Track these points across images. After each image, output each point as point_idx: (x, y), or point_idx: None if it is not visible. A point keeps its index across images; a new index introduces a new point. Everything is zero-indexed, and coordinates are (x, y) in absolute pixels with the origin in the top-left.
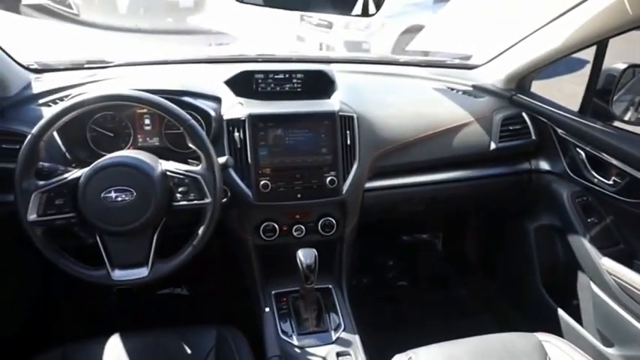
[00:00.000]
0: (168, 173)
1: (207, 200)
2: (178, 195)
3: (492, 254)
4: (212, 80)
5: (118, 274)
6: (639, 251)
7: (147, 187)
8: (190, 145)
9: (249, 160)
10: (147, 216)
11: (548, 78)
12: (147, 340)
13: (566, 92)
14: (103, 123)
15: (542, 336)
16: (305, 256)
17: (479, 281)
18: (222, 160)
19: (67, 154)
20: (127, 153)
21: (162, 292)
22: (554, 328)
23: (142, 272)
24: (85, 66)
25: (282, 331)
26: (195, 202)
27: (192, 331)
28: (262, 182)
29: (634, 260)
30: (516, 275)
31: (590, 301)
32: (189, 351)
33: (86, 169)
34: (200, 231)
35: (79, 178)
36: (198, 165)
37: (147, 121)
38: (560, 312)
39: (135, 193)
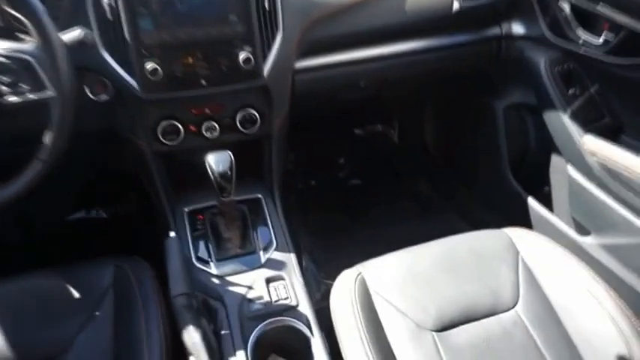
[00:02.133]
0: None
1: (49, 94)
2: (3, 88)
3: (455, 143)
4: None
5: None
6: (627, 123)
7: None
8: (8, 10)
9: (127, 35)
10: None
11: None
12: (26, 286)
13: None
14: None
15: (511, 231)
16: (217, 161)
17: (441, 174)
18: (73, 35)
19: None
20: None
21: (75, 218)
22: (525, 220)
23: None
24: None
25: (198, 258)
26: (31, 96)
27: (87, 267)
28: (149, 66)
29: (621, 135)
30: (482, 164)
31: (566, 187)
32: (77, 295)
33: None
34: (47, 139)
35: None
36: (28, 42)
37: None
38: (531, 202)
39: None
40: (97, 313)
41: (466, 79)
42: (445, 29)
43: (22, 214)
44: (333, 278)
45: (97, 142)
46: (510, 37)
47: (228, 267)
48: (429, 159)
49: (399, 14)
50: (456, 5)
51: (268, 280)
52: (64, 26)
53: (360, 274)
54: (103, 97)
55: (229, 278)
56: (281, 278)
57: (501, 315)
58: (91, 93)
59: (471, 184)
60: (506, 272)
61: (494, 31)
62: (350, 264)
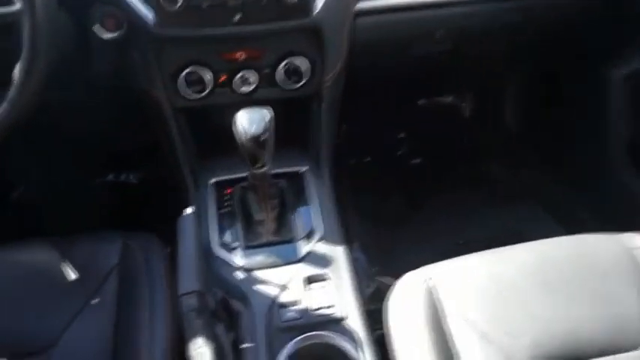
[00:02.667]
0: None
1: (16, 6)
2: None
3: (544, 119)
4: None
5: None
6: None
7: None
8: None
9: None
10: None
11: None
12: (19, 258)
13: None
14: None
15: (629, 239)
16: (250, 119)
17: (522, 157)
18: None
19: None
20: None
21: (101, 181)
22: None
23: None
24: None
25: (222, 244)
26: None
27: (92, 241)
28: None
29: None
30: (583, 149)
31: None
32: (74, 275)
33: None
34: (16, 73)
35: None
36: None
37: None
38: None
39: None
40: (96, 301)
41: (572, 37)
42: None
43: (47, 174)
44: (387, 275)
45: (112, 94)
46: None
47: (257, 258)
48: (508, 138)
49: None
50: None
51: (308, 280)
52: None
53: (428, 280)
54: (115, 34)
55: (258, 273)
56: (325, 278)
57: (622, 356)
58: (102, 28)
59: (567, 171)
60: (630, 296)
61: None
62: (409, 261)
